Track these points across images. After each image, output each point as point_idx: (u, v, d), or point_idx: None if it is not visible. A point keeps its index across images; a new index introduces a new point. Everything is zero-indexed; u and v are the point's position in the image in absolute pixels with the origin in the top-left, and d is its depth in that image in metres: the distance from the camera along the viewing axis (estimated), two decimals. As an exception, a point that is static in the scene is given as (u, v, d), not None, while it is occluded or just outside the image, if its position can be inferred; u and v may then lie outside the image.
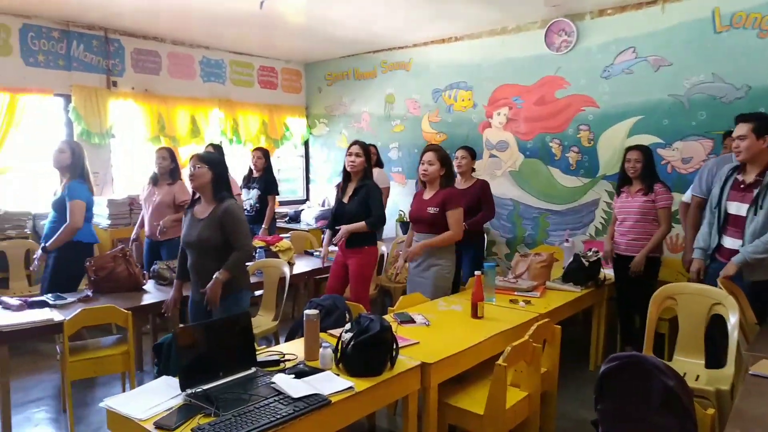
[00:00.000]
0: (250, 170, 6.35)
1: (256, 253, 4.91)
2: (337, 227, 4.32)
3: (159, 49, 6.61)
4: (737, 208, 3.36)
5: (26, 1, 5.13)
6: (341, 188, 4.44)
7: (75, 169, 4.34)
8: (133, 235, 5.31)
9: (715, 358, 3.16)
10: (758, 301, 3.19)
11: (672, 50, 4.96)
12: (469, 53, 6.39)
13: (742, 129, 3.30)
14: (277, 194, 6.38)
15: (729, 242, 3.40)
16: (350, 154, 4.29)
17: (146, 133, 6.46)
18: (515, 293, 3.83)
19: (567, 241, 4.76)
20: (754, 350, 2.62)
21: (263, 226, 6.03)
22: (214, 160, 3.47)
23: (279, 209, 6.97)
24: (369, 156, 4.37)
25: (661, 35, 5.01)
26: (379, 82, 7.36)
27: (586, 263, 4.04)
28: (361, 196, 4.25)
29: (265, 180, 6.18)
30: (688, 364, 3.17)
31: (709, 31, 4.77)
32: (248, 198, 6.19)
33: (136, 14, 5.59)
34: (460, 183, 4.90)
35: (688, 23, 4.87)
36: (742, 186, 3.37)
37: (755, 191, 3.27)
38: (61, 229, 4.23)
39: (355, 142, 4.36)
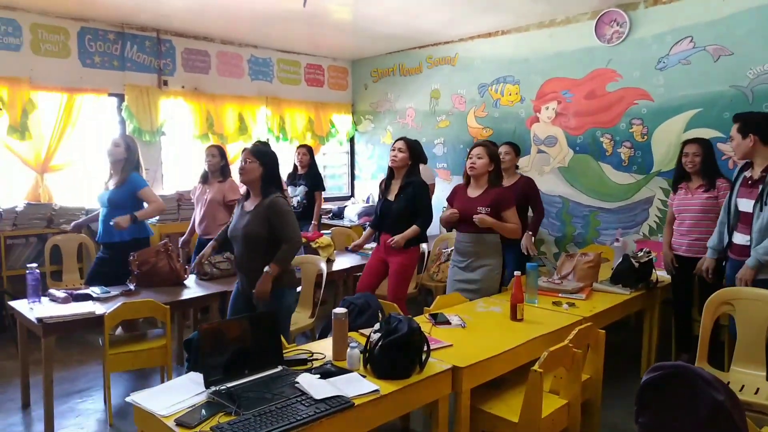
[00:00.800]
0: (295, 167, 6.38)
1: (300, 248, 4.90)
2: (383, 230, 4.27)
3: (208, 49, 6.72)
4: (746, 204, 3.34)
5: (84, 5, 5.29)
6: (385, 185, 4.37)
7: (131, 163, 4.46)
8: (182, 239, 5.35)
9: None
10: None
11: (733, 39, 4.66)
12: (515, 47, 6.22)
13: (732, 130, 3.39)
14: (324, 190, 6.41)
15: (739, 238, 3.38)
16: (393, 149, 4.25)
17: (195, 130, 6.59)
18: (559, 295, 3.68)
19: (617, 240, 4.55)
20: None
21: (313, 222, 6.06)
22: (265, 155, 3.46)
23: (324, 205, 6.97)
24: (415, 152, 4.29)
25: (722, 23, 4.72)
26: (425, 78, 7.26)
27: (637, 264, 3.83)
28: (408, 195, 4.17)
29: (311, 176, 6.21)
30: (747, 375, 2.96)
31: (774, 18, 4.46)
32: (295, 195, 6.23)
33: (186, 15, 5.70)
34: (506, 181, 4.74)
35: (752, 10, 4.56)
36: (750, 182, 3.37)
37: (761, 189, 3.22)
38: (150, 207, 4.46)
39: (400, 138, 4.30)
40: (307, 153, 6.28)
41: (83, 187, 5.96)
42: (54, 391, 3.49)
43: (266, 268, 3.27)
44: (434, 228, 6.60)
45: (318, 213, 6.19)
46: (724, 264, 3.64)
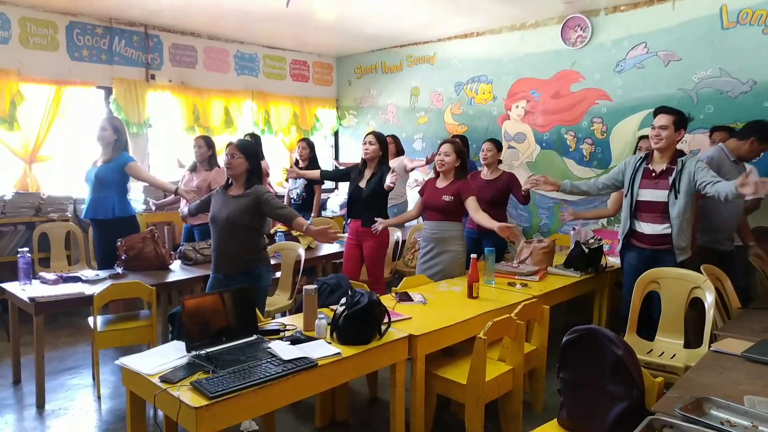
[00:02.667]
0: (296, 161, 6.60)
1: (276, 236, 5.19)
2: (353, 216, 4.64)
3: (195, 44, 6.92)
4: (652, 195, 3.62)
5: (73, 0, 5.47)
6: (359, 172, 4.67)
7: (120, 143, 4.73)
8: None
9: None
10: None
11: (681, 46, 5.05)
12: (489, 48, 6.54)
13: (664, 120, 3.56)
14: (323, 183, 6.63)
15: (645, 227, 3.66)
16: (365, 143, 4.56)
17: (182, 123, 6.78)
18: (515, 277, 4.00)
19: (574, 229, 4.89)
20: (726, 330, 2.76)
21: (312, 214, 6.30)
22: (250, 151, 3.67)
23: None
24: (384, 144, 4.61)
25: (672, 31, 5.10)
26: (405, 76, 7.56)
27: (587, 250, 4.17)
28: (378, 179, 4.49)
29: (311, 169, 6.39)
30: (668, 343, 3.31)
31: (716, 28, 4.85)
32: (295, 187, 6.43)
33: (173, 11, 5.89)
34: (486, 174, 5.00)
35: (697, 20, 4.95)
36: (653, 175, 3.63)
37: (669, 179, 3.53)
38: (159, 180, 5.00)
39: (370, 132, 4.63)
40: (308, 147, 6.48)
41: (70, 176, 6.14)
42: (44, 369, 3.74)
43: (306, 224, 3.59)
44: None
45: (318, 205, 6.42)
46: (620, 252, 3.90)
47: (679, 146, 4.97)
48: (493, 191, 4.82)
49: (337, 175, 5.41)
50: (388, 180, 4.27)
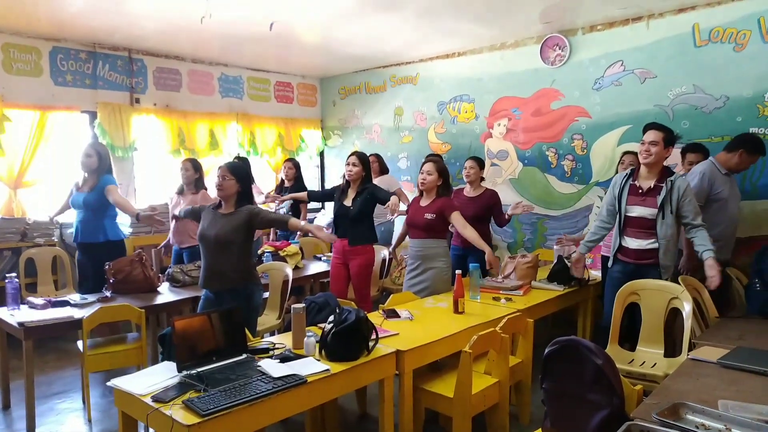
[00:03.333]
0: (282, 180, 6.66)
1: (264, 257, 5.23)
2: (339, 236, 4.66)
3: (179, 67, 6.98)
4: (639, 211, 3.66)
5: (57, 26, 5.50)
6: (342, 191, 4.75)
7: (103, 168, 4.77)
8: (163, 243, 5.59)
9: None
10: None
11: (657, 63, 5.20)
12: (471, 68, 6.68)
13: (654, 136, 3.62)
14: (309, 203, 6.68)
15: (632, 243, 3.71)
16: (348, 164, 4.63)
17: (167, 146, 6.81)
18: (500, 292, 4.08)
19: (556, 244, 4.98)
20: (703, 339, 2.85)
21: (298, 233, 6.32)
22: (242, 174, 3.72)
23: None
24: (367, 165, 4.69)
25: (647, 49, 5.25)
26: (389, 96, 7.67)
27: (569, 264, 4.26)
28: (364, 198, 4.57)
29: (297, 189, 6.41)
30: (649, 353, 3.39)
31: (689, 46, 5.01)
32: (280, 207, 6.46)
33: (157, 35, 5.96)
34: (469, 191, 5.09)
35: (671, 38, 5.11)
36: (640, 192, 3.67)
37: (658, 197, 3.58)
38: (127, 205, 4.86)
39: (353, 153, 4.71)
40: (294, 167, 6.55)
41: (56, 201, 6.14)
42: (34, 394, 3.72)
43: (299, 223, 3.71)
44: (397, 235, 7.03)
45: None
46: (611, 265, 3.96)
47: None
48: (476, 208, 4.90)
49: (324, 195, 5.48)
50: (392, 206, 4.23)
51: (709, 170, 4.11)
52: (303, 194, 5.36)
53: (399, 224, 6.75)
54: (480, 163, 5.20)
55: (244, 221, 3.59)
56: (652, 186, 3.65)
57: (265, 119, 7.87)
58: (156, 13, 5.10)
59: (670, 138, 3.66)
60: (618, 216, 3.77)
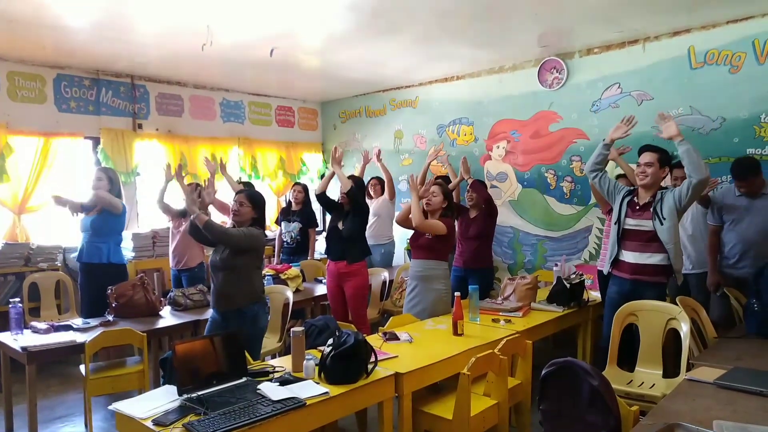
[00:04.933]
0: (289, 203, 6.70)
1: (264, 279, 5.25)
2: (332, 257, 4.86)
3: (181, 93, 7.06)
4: (636, 223, 3.78)
5: (61, 53, 5.60)
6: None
7: (113, 193, 4.92)
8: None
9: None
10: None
11: (653, 86, 5.27)
12: (469, 91, 6.75)
13: (650, 157, 3.78)
14: (317, 227, 6.72)
15: (628, 255, 3.79)
16: (342, 194, 4.86)
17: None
18: (499, 314, 4.09)
19: (556, 265, 5.00)
20: (701, 359, 2.85)
21: (309, 257, 6.39)
22: (259, 202, 3.81)
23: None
24: (352, 193, 4.87)
25: (643, 72, 5.33)
26: (389, 119, 7.75)
27: (569, 285, 4.28)
28: (352, 216, 4.80)
29: (305, 213, 6.48)
30: (648, 374, 3.39)
31: (685, 68, 5.09)
32: (289, 230, 6.47)
33: (160, 62, 6.05)
34: (472, 213, 5.26)
35: (667, 60, 5.19)
36: (637, 207, 3.80)
37: (651, 210, 3.70)
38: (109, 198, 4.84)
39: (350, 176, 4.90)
40: (302, 191, 6.57)
41: (59, 226, 6.16)
42: (37, 418, 3.74)
43: (197, 213, 3.53)
44: (398, 257, 7.07)
45: (313, 248, 6.48)
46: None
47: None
48: (478, 227, 5.07)
49: (328, 203, 5.36)
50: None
51: (726, 187, 4.37)
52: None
53: (399, 245, 6.82)
54: (482, 187, 5.32)
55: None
56: (647, 201, 3.77)
57: (267, 143, 7.94)
58: (158, 40, 5.20)
59: (665, 158, 3.78)
60: (618, 227, 3.87)
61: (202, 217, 3.54)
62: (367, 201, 6.06)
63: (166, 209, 5.56)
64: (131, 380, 3.94)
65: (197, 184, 5.23)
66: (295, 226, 6.43)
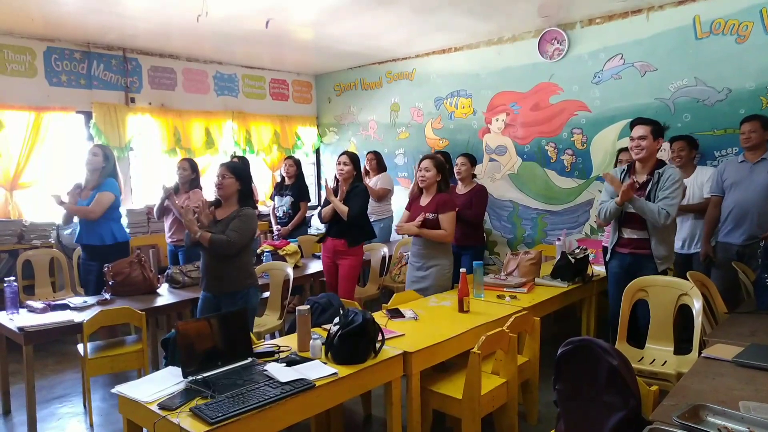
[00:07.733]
0: (282, 178, 6.61)
1: (263, 256, 5.18)
2: (330, 235, 4.75)
3: (174, 66, 6.93)
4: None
5: (50, 26, 5.45)
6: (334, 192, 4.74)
7: (107, 170, 4.79)
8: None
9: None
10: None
11: (657, 56, 5.16)
12: (468, 63, 6.63)
13: (643, 131, 3.66)
14: (309, 201, 6.64)
15: (628, 232, 3.77)
16: (339, 163, 4.67)
17: (163, 145, 6.76)
18: (504, 290, 4.04)
19: (558, 239, 4.95)
20: (714, 336, 2.81)
21: (288, 228, 6.30)
22: (241, 172, 3.72)
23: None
24: (358, 164, 4.73)
25: (647, 42, 5.22)
26: (385, 92, 7.62)
27: (573, 260, 4.23)
28: (353, 196, 4.60)
29: (297, 187, 6.43)
30: (659, 351, 3.36)
31: (690, 38, 4.98)
32: (281, 204, 6.43)
33: (151, 35, 5.91)
34: (461, 188, 5.17)
35: (671, 30, 5.07)
36: (637, 187, 3.70)
37: (647, 189, 3.62)
38: (82, 207, 4.66)
39: (344, 153, 4.72)
40: (294, 164, 6.48)
41: (52, 203, 6.09)
42: (35, 399, 3.68)
43: (199, 233, 3.47)
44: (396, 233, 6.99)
45: (297, 221, 6.36)
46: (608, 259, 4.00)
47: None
48: (466, 204, 4.99)
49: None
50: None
51: (726, 161, 4.28)
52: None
53: (398, 221, 6.74)
54: (471, 160, 5.25)
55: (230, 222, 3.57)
56: (645, 179, 3.70)
57: (261, 117, 7.82)
58: (150, 12, 5.05)
59: (657, 129, 3.68)
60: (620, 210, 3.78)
61: (205, 236, 3.49)
62: (364, 179, 5.95)
63: (165, 212, 5.46)
64: (130, 360, 3.89)
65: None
66: (287, 200, 6.40)
